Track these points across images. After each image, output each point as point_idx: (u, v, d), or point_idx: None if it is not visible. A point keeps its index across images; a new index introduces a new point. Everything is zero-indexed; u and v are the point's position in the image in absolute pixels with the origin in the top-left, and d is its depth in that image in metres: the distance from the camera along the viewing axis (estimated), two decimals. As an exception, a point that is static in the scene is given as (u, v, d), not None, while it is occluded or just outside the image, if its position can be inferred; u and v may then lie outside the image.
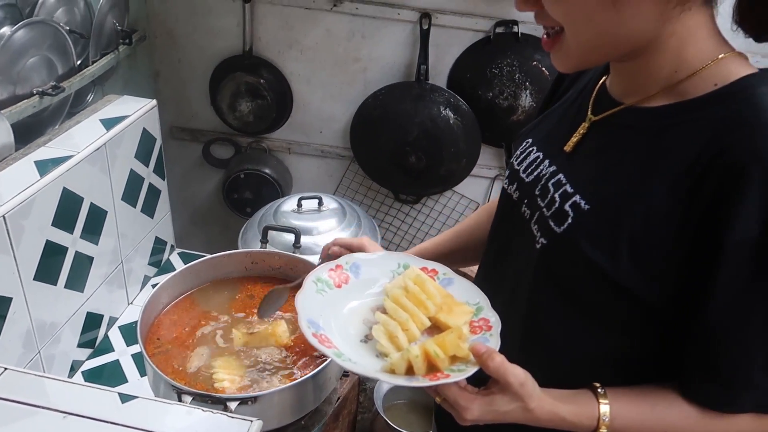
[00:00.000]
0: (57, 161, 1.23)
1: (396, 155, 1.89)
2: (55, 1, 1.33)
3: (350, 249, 0.91)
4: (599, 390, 0.67)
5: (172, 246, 1.77)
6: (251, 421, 0.73)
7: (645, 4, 0.60)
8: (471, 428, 0.70)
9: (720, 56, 0.63)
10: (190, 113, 2.06)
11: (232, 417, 0.73)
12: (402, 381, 0.66)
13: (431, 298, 0.75)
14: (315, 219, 1.52)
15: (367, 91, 1.91)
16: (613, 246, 0.64)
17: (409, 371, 0.67)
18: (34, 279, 1.17)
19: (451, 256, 0.96)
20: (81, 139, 1.32)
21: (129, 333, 1.48)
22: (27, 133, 1.31)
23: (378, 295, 0.79)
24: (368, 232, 1.60)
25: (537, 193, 0.74)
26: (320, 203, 1.55)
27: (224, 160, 2.10)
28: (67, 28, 1.36)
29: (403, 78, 1.89)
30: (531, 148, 0.79)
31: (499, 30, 1.76)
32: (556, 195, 0.70)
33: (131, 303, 1.58)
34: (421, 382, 0.65)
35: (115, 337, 1.47)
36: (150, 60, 1.96)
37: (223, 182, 2.04)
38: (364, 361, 0.70)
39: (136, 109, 1.48)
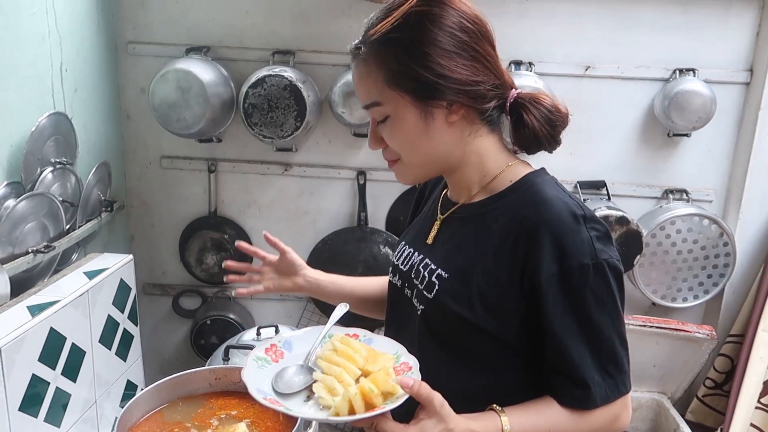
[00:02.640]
0: (46, 305, 1.43)
1: (345, 291, 2.13)
2: (52, 177, 1.63)
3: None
4: (497, 408, 0.87)
5: (142, 389, 1.90)
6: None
7: (447, 134, 0.92)
8: None
9: (509, 164, 0.96)
10: (160, 270, 2.30)
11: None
12: (346, 419, 0.81)
13: (357, 352, 0.92)
14: (272, 344, 1.71)
15: (317, 237, 2.21)
16: (469, 299, 0.89)
17: (351, 412, 0.81)
18: (18, 410, 1.31)
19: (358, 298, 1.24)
20: (67, 287, 1.54)
21: (100, 471, 1.57)
22: (19, 287, 1.52)
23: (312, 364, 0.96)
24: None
25: (412, 276, 1.00)
26: (277, 331, 1.75)
27: (192, 310, 2.30)
28: (60, 198, 1.64)
29: (347, 224, 2.21)
30: (404, 247, 1.08)
31: (422, 180, 2.13)
32: (425, 272, 0.97)
33: (102, 443, 1.68)
34: (363, 415, 0.80)
35: (86, 476, 1.55)
36: (127, 225, 2.24)
37: (190, 330, 2.22)
38: (311, 413, 0.86)
39: (115, 263, 1.73)
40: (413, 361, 0.90)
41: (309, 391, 0.91)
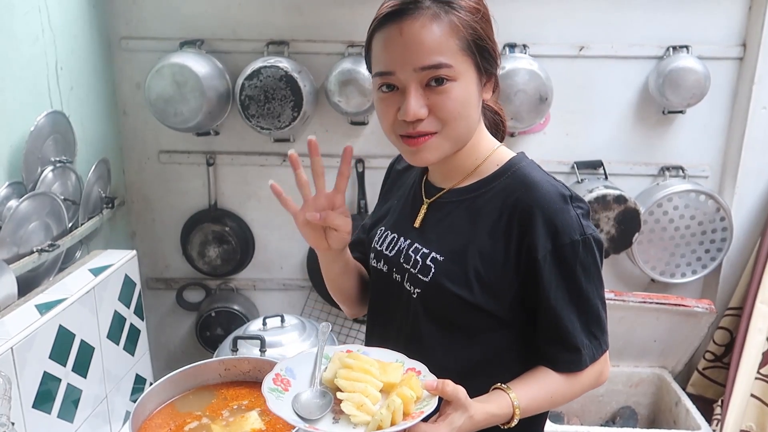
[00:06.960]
0: (54, 303, 1.45)
1: (348, 278, 2.15)
2: (53, 176, 1.63)
3: None
4: (503, 385, 0.92)
5: (150, 383, 1.92)
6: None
7: (479, 110, 0.95)
8: None
9: (495, 147, 0.99)
10: (163, 264, 2.32)
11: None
12: (391, 429, 0.80)
13: (372, 365, 0.90)
14: (278, 333, 1.73)
15: (318, 227, 2.22)
16: (466, 279, 0.92)
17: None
18: (32, 407, 1.33)
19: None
20: (73, 284, 1.56)
21: (114, 464, 1.60)
22: (26, 286, 1.54)
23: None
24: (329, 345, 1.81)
25: (401, 261, 1.01)
26: (282, 320, 1.77)
27: (196, 303, 2.32)
28: (62, 197, 1.65)
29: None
30: (386, 233, 1.07)
31: (420, 166, 2.15)
32: (417, 257, 0.98)
33: (115, 437, 1.70)
34: (405, 424, 0.80)
35: (101, 469, 1.58)
36: (128, 221, 2.25)
37: (195, 323, 2.25)
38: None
39: (119, 259, 1.74)
40: (419, 365, 0.92)
41: (333, 413, 0.89)
